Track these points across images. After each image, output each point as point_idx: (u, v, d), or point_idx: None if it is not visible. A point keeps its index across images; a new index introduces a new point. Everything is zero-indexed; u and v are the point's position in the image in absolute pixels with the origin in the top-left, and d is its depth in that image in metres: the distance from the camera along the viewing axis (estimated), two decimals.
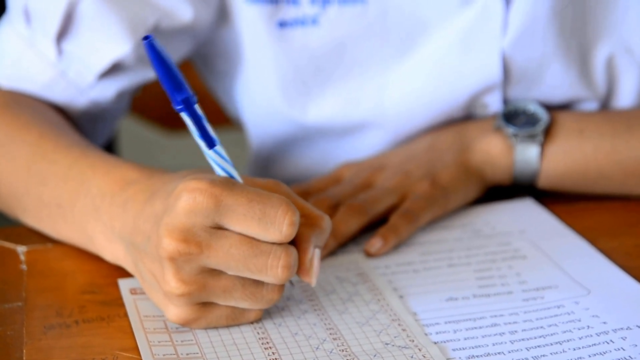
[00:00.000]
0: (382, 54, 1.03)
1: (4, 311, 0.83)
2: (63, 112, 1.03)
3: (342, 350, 0.77)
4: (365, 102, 1.05)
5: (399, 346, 0.77)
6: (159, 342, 0.78)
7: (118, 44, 0.99)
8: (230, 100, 1.13)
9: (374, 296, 0.84)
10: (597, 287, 0.85)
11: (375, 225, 0.93)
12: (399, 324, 0.80)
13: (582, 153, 0.98)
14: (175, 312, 0.78)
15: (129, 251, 0.82)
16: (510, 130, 0.99)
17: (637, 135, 0.98)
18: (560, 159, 0.98)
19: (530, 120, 1.00)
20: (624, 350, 0.76)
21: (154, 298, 0.80)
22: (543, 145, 0.99)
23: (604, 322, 0.80)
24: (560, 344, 0.78)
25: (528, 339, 0.78)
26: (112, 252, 0.85)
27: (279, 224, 0.74)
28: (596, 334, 0.79)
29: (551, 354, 0.76)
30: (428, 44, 1.02)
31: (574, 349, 0.77)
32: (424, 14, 1.01)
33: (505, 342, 0.78)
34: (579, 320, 0.80)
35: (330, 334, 0.79)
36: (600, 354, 0.76)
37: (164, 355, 0.77)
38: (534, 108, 1.01)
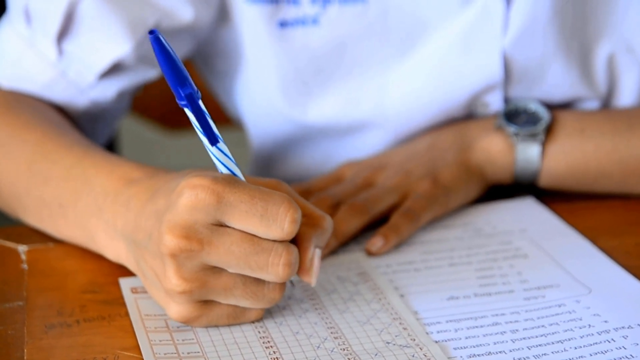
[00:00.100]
0: (383, 54, 1.03)
1: (5, 310, 0.83)
2: (63, 112, 1.03)
3: (343, 349, 0.77)
4: (365, 102, 1.05)
5: (400, 345, 0.77)
6: (160, 341, 0.78)
7: (118, 44, 0.99)
8: (231, 100, 1.13)
9: (375, 295, 0.84)
10: (598, 286, 0.85)
11: (376, 224, 0.93)
12: (400, 323, 0.80)
13: (583, 152, 0.98)
14: (176, 309, 0.78)
15: (130, 249, 0.82)
16: (511, 129, 0.99)
17: (638, 134, 0.98)
18: (561, 158, 0.98)
19: (531, 119, 1.00)
20: (625, 349, 0.76)
21: (156, 296, 0.80)
22: (544, 144, 0.99)
23: (605, 321, 0.80)
24: (562, 342, 0.78)
25: (529, 338, 0.78)
26: (114, 250, 0.85)
27: (280, 221, 0.74)
28: (597, 332, 0.79)
29: (552, 352, 0.76)
30: (429, 43, 1.02)
31: (575, 348, 0.77)
32: (424, 13, 1.01)
33: (507, 341, 0.78)
34: (580, 319, 0.80)
35: (332, 332, 0.79)
36: (602, 352, 0.76)
37: (165, 354, 0.77)
38: (535, 107, 1.01)
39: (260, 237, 0.75)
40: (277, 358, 0.76)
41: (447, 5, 1.00)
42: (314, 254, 0.78)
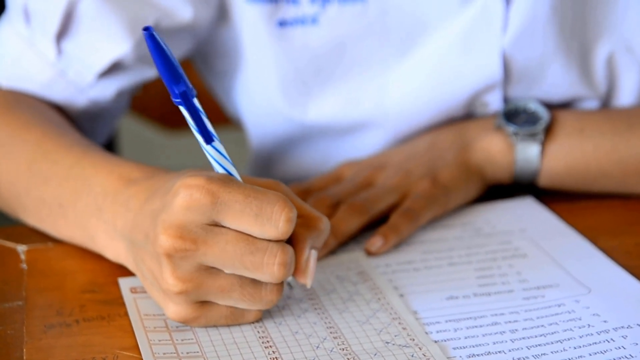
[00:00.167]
0: (383, 54, 1.03)
1: (4, 310, 0.83)
2: (63, 112, 1.03)
3: (343, 349, 0.77)
4: (365, 102, 1.05)
5: (400, 345, 0.77)
6: (159, 340, 0.78)
7: (118, 44, 0.99)
8: (230, 100, 1.13)
9: (375, 295, 0.84)
10: (598, 286, 0.85)
11: (376, 224, 0.93)
12: (399, 323, 0.80)
13: (582, 152, 0.98)
14: (174, 310, 0.78)
15: (129, 249, 0.82)
16: (511, 129, 0.99)
17: (637, 134, 0.98)
18: (560, 158, 0.98)
19: (530, 119, 1.00)
20: (624, 348, 0.76)
21: (155, 296, 0.80)
22: (543, 144, 0.99)
23: (605, 321, 0.80)
24: (561, 342, 0.78)
25: (529, 338, 0.78)
26: (114, 250, 0.85)
27: (275, 221, 0.74)
28: (597, 332, 0.78)
29: (552, 352, 0.76)
30: (428, 43, 1.02)
31: (575, 348, 0.77)
32: (424, 13, 1.01)
33: (506, 341, 0.78)
34: (580, 319, 0.80)
35: (331, 332, 0.79)
36: (601, 352, 0.76)
37: (164, 354, 0.77)
38: (534, 107, 1.01)
39: (255, 237, 0.75)
40: (276, 358, 0.76)
41: (446, 5, 1.00)
42: (310, 255, 0.78)
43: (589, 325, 0.80)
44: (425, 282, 0.86)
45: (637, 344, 0.77)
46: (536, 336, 0.78)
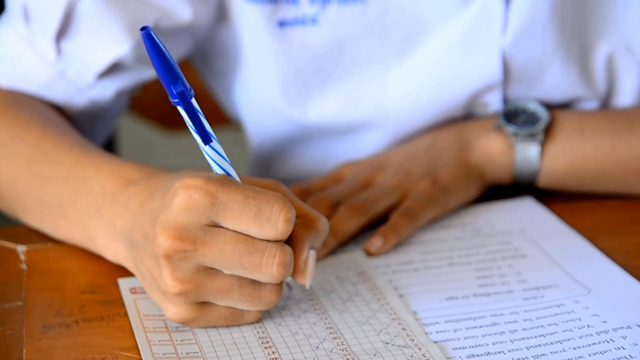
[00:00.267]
0: (382, 54, 1.03)
1: (3, 311, 0.83)
2: (62, 112, 1.03)
3: (342, 350, 0.77)
4: (365, 102, 1.05)
5: (399, 345, 0.77)
6: (158, 341, 0.78)
7: (117, 44, 0.99)
8: (230, 100, 1.13)
9: (374, 295, 0.84)
10: (597, 286, 0.85)
11: (375, 224, 0.93)
12: (399, 323, 0.80)
13: (582, 152, 0.98)
14: (173, 310, 0.78)
15: (128, 249, 0.82)
16: (511, 129, 0.99)
17: (637, 135, 0.98)
18: (560, 158, 0.98)
19: (530, 119, 1.00)
20: (624, 349, 0.76)
21: (154, 297, 0.80)
22: (543, 144, 0.99)
23: (604, 321, 0.80)
24: (561, 343, 0.78)
25: (528, 338, 0.78)
26: (113, 251, 0.85)
27: (274, 221, 0.74)
28: (596, 333, 0.78)
29: (551, 353, 0.76)
30: (428, 43, 1.02)
31: (574, 348, 0.77)
32: (423, 13, 1.01)
33: (506, 341, 0.78)
34: (579, 320, 0.80)
35: (330, 333, 0.79)
36: (601, 353, 0.76)
37: (163, 354, 0.77)
38: (534, 107, 1.01)
39: (254, 237, 0.75)
40: (275, 358, 0.76)
41: (446, 5, 1.00)
42: (309, 255, 0.78)
43: (588, 325, 0.79)
44: (425, 283, 0.86)
45: (636, 344, 0.77)
46: (536, 336, 0.78)
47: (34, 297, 0.85)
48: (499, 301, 0.83)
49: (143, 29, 0.73)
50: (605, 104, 1.05)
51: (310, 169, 1.10)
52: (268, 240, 0.75)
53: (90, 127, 1.06)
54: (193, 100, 0.75)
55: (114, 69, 1.01)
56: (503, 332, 0.79)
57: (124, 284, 0.85)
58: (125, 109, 1.11)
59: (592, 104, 1.05)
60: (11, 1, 1.02)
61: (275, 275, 0.75)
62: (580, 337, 0.78)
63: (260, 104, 1.08)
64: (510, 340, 0.78)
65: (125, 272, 0.86)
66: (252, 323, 0.80)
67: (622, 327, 0.79)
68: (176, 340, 0.78)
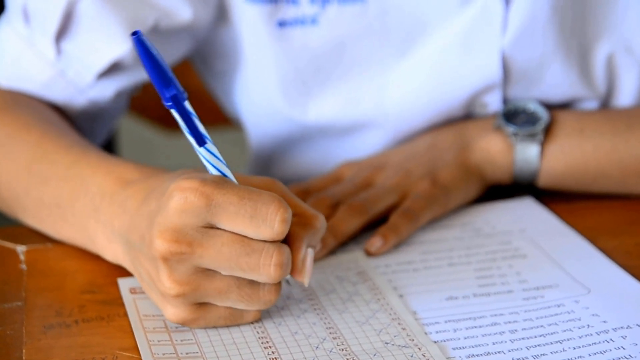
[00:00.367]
0: (382, 54, 1.03)
1: (3, 311, 0.83)
2: (62, 112, 1.03)
3: (342, 350, 0.77)
4: (365, 102, 1.05)
5: (399, 345, 0.77)
6: (158, 341, 0.78)
7: (117, 44, 0.99)
8: (230, 100, 1.13)
9: (374, 295, 0.84)
10: (597, 286, 0.85)
11: (375, 224, 0.92)
12: (398, 323, 0.80)
13: (582, 152, 0.98)
14: (172, 312, 0.78)
15: (126, 251, 0.82)
16: (510, 129, 0.99)
17: (637, 134, 0.98)
18: (560, 158, 0.98)
19: (530, 119, 1.00)
20: (624, 349, 0.76)
21: (153, 297, 0.80)
22: (543, 144, 0.98)
23: (604, 321, 0.80)
24: (561, 343, 0.78)
25: (528, 338, 0.78)
26: (112, 252, 0.85)
27: (270, 221, 0.74)
28: (596, 333, 0.78)
29: (551, 353, 0.76)
30: (428, 43, 1.02)
31: (574, 348, 0.77)
32: (423, 13, 1.01)
33: (506, 341, 0.78)
34: (579, 319, 0.80)
35: (330, 333, 0.79)
36: (600, 352, 0.76)
37: (163, 354, 0.77)
38: (534, 107, 1.01)
39: (251, 238, 0.75)
40: (275, 358, 0.76)
41: (446, 5, 1.00)
42: (307, 253, 0.78)
43: (588, 325, 0.79)
44: (425, 283, 0.86)
45: (636, 344, 0.77)
46: (536, 336, 0.78)
47: (33, 297, 0.85)
48: (498, 301, 0.83)
49: (134, 33, 0.73)
50: (605, 104, 1.05)
51: (310, 169, 1.10)
52: (265, 241, 0.75)
53: (90, 127, 1.06)
54: (186, 103, 0.75)
55: (114, 69, 1.01)
56: (503, 332, 0.79)
57: (123, 284, 0.85)
58: (125, 109, 1.11)
59: (592, 104, 1.05)
60: (11, 1, 1.02)
61: (273, 276, 0.75)
62: (580, 337, 0.78)
63: (260, 104, 1.08)
64: (510, 340, 0.78)
65: (125, 272, 0.85)
66: (252, 323, 0.80)
67: (622, 327, 0.79)
68: (176, 340, 0.78)
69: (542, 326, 0.80)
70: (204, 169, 0.79)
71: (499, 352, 0.77)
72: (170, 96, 0.74)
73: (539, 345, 0.77)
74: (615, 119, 1.00)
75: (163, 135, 1.59)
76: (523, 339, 0.78)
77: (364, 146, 1.07)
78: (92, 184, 0.87)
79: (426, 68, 1.02)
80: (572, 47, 1.02)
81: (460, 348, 0.77)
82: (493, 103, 1.03)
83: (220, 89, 1.13)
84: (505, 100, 1.03)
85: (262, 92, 1.07)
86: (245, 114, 1.11)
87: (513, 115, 1.01)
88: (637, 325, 0.79)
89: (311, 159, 1.11)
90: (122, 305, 0.83)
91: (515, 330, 0.79)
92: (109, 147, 1.44)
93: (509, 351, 0.77)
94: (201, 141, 0.76)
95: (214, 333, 0.79)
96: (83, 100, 1.02)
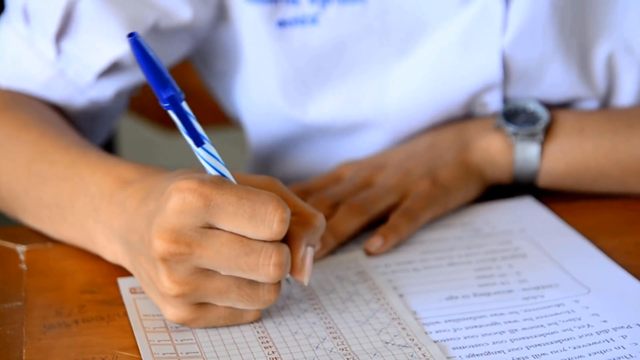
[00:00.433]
0: (382, 54, 1.03)
1: (3, 311, 0.83)
2: (62, 112, 1.03)
3: (342, 349, 0.77)
4: (365, 102, 1.05)
5: (399, 345, 0.77)
6: (158, 341, 0.78)
7: (117, 44, 0.99)
8: (230, 100, 1.13)
9: (374, 295, 0.84)
10: (598, 286, 0.85)
11: (375, 224, 0.92)
12: (399, 323, 0.80)
13: (582, 152, 0.98)
14: (172, 312, 0.78)
15: (126, 251, 0.82)
16: (510, 129, 0.99)
17: (637, 134, 0.98)
18: (560, 158, 0.98)
19: (530, 118, 1.00)
20: (624, 348, 0.76)
21: (152, 297, 0.80)
22: (543, 144, 0.98)
23: (604, 321, 0.80)
24: (561, 342, 0.77)
25: (528, 338, 0.78)
26: (112, 252, 0.85)
27: (269, 221, 0.74)
28: (596, 332, 0.78)
29: (551, 352, 0.76)
30: (428, 43, 1.02)
31: (574, 348, 0.77)
32: (423, 13, 1.01)
33: (506, 341, 0.78)
34: (579, 319, 0.80)
35: (330, 332, 0.79)
36: (601, 352, 0.76)
37: (163, 354, 0.77)
38: (534, 107, 1.01)
39: (250, 238, 0.75)
40: (275, 358, 0.76)
41: (446, 5, 1.00)
42: (306, 252, 0.78)
43: (588, 325, 0.79)
44: (425, 282, 0.86)
45: (636, 343, 0.77)
46: (536, 336, 0.78)
47: (33, 297, 0.85)
48: (498, 301, 0.83)
49: (130, 35, 0.73)
50: (605, 103, 1.05)
51: (310, 169, 1.10)
52: (264, 241, 0.75)
53: (90, 127, 1.06)
54: (184, 104, 0.75)
55: (114, 68, 1.01)
56: (503, 332, 0.79)
57: (123, 283, 0.85)
58: (125, 108, 1.11)
59: (592, 104, 1.05)
60: (11, 1, 1.02)
61: (272, 276, 0.75)
62: (580, 337, 0.78)
63: (260, 104, 1.08)
64: (510, 340, 0.78)
65: (125, 272, 0.85)
66: (252, 322, 0.80)
67: (622, 327, 0.79)
68: (176, 340, 0.78)
69: (542, 326, 0.80)
70: (203, 169, 0.79)
71: (499, 352, 0.76)
72: (168, 97, 0.74)
73: (539, 344, 0.77)
74: (616, 118, 1.00)
75: (163, 135, 1.59)
76: (523, 338, 0.78)
77: (364, 146, 1.07)
78: (91, 184, 0.87)
79: (426, 68, 1.02)
80: (572, 47, 1.02)
81: (460, 348, 0.77)
82: (493, 103, 1.03)
83: (220, 88, 1.13)
84: (505, 100, 1.03)
85: (262, 91, 1.07)
86: (245, 113, 1.11)
87: (513, 114, 1.01)
88: (637, 324, 0.79)
89: (311, 158, 1.11)
90: (122, 305, 0.83)
91: (516, 330, 0.79)
92: (109, 147, 1.44)
93: (509, 351, 0.77)
94: (199, 141, 0.76)
95: (214, 333, 0.79)
96: (83, 100, 1.02)
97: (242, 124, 1.13)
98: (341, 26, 1.02)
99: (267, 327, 0.80)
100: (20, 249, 0.92)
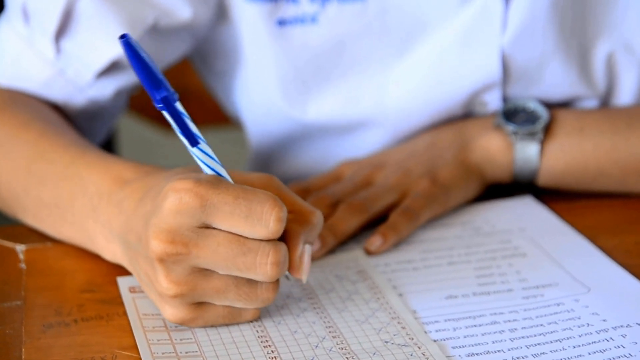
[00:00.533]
0: (382, 53, 1.03)
1: (3, 310, 0.83)
2: (61, 111, 1.03)
3: (342, 349, 0.77)
4: (365, 101, 1.04)
5: (399, 344, 0.77)
6: (158, 340, 0.78)
7: (116, 43, 0.98)
8: (229, 99, 1.13)
9: (374, 294, 0.84)
10: (597, 285, 0.85)
11: (375, 223, 0.92)
12: (398, 322, 0.80)
13: (581, 151, 0.98)
14: (170, 311, 0.78)
15: (124, 251, 0.82)
16: (510, 128, 0.99)
17: (637, 133, 0.98)
18: (560, 157, 0.98)
19: (530, 118, 1.00)
20: (623, 347, 0.76)
21: (151, 297, 0.80)
22: (543, 143, 0.98)
23: (604, 320, 0.80)
24: (560, 341, 0.77)
25: (528, 337, 0.78)
26: (111, 251, 0.85)
27: (265, 221, 0.74)
28: (596, 331, 0.78)
29: (551, 351, 0.76)
30: (428, 42, 1.02)
31: (574, 347, 0.77)
32: (423, 12, 1.01)
33: (505, 340, 0.78)
34: (579, 318, 0.80)
35: (330, 332, 0.79)
36: (600, 351, 0.76)
37: (162, 353, 0.76)
38: (533, 106, 1.01)
39: (246, 237, 0.75)
40: (275, 357, 0.76)
41: (446, 4, 1.00)
42: (304, 250, 0.78)
43: (588, 324, 0.79)
44: (425, 281, 0.86)
45: (636, 343, 0.77)
46: (535, 335, 0.78)
47: (33, 297, 0.85)
48: (498, 300, 0.83)
49: (122, 37, 0.73)
50: (605, 103, 1.05)
51: (310, 168, 1.10)
52: (261, 240, 0.75)
53: (89, 126, 1.06)
54: (177, 104, 0.75)
55: (113, 67, 1.01)
56: (503, 331, 0.79)
57: (123, 283, 0.85)
58: (125, 108, 1.11)
59: (591, 103, 1.05)
60: (11, 0, 1.02)
61: (270, 275, 0.75)
62: (579, 336, 0.78)
63: (259, 103, 1.08)
64: (510, 339, 0.78)
65: (124, 271, 0.85)
66: (251, 321, 0.80)
67: (621, 326, 0.79)
68: (175, 339, 0.78)
69: (541, 325, 0.80)
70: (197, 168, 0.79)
71: (498, 351, 0.76)
72: (161, 98, 0.74)
73: (538, 344, 0.77)
74: (615, 117, 1.00)
75: (162, 134, 1.59)
76: (523, 337, 0.78)
77: (364, 145, 1.06)
78: (90, 183, 0.87)
79: (426, 67, 1.02)
80: (572, 46, 1.02)
81: (459, 347, 0.77)
82: (493, 102, 1.03)
83: (220, 88, 1.13)
84: (505, 99, 1.03)
85: (262, 91, 1.07)
86: (245, 113, 1.11)
87: (513, 114, 1.01)
88: (636, 324, 0.79)
89: (311, 157, 1.11)
90: (122, 304, 0.83)
91: (515, 329, 0.79)
92: (109, 146, 1.44)
93: (509, 350, 0.77)
94: (194, 141, 0.76)
95: (214, 332, 0.79)
96: (82, 99, 1.02)
97: (242, 124, 1.13)
98: (341, 25, 1.02)
99: (266, 327, 0.80)
100: (20, 248, 0.92)
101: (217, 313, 0.78)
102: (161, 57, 1.03)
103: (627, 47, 1.02)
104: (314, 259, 0.88)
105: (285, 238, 0.77)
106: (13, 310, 0.83)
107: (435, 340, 0.78)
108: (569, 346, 0.77)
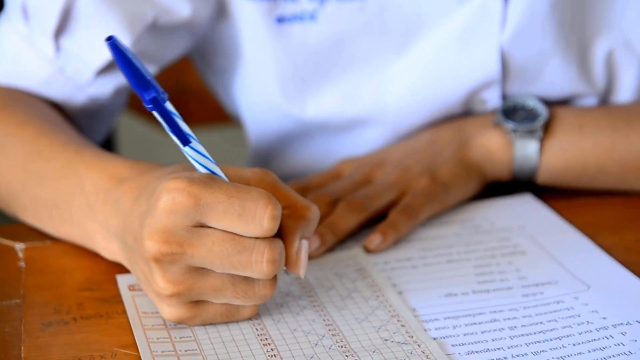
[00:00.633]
0: (381, 50, 1.03)
1: (2, 308, 0.83)
2: (60, 109, 1.03)
3: (341, 347, 0.77)
4: (364, 98, 1.04)
5: (398, 342, 0.77)
6: (157, 338, 0.78)
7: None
8: (229, 97, 1.13)
9: (373, 292, 0.84)
10: (597, 283, 0.85)
11: (374, 221, 0.92)
12: (398, 320, 0.80)
13: (581, 148, 0.98)
14: (168, 310, 0.77)
15: (122, 250, 0.82)
16: (510, 125, 0.98)
17: (636, 131, 0.98)
18: (559, 155, 0.98)
19: (529, 115, 1.00)
20: (623, 345, 0.76)
21: (150, 296, 0.80)
22: (542, 141, 0.98)
23: (604, 318, 0.80)
24: (560, 339, 0.77)
25: (527, 335, 0.78)
26: (110, 250, 0.85)
27: (259, 219, 0.74)
28: (596, 329, 0.78)
29: (551, 349, 0.76)
30: (427, 40, 1.02)
31: (574, 345, 0.77)
32: (422, 10, 1.01)
33: (505, 338, 0.78)
34: (579, 316, 0.80)
35: (329, 330, 0.79)
36: (600, 349, 0.76)
37: (162, 351, 0.76)
38: (533, 103, 1.01)
39: (241, 236, 0.75)
40: (274, 355, 0.76)
41: (445, 2, 1.00)
42: (300, 246, 0.78)
43: (588, 322, 0.79)
44: (424, 279, 0.86)
45: (636, 340, 0.77)
46: (535, 333, 0.78)
47: (32, 295, 0.85)
48: (498, 298, 0.83)
49: (109, 39, 0.73)
50: (605, 100, 1.05)
51: (309, 166, 1.10)
52: (256, 237, 0.75)
53: (88, 125, 1.06)
54: (167, 104, 0.75)
55: (113, 66, 1.01)
56: (502, 329, 0.79)
57: (122, 281, 0.85)
58: (124, 106, 1.10)
59: (591, 101, 1.05)
60: None
61: (266, 272, 0.75)
62: (579, 334, 0.78)
63: (259, 101, 1.08)
64: (510, 337, 0.78)
65: (124, 269, 0.85)
66: (249, 318, 0.80)
67: (621, 324, 0.79)
68: (175, 338, 0.78)
69: (541, 323, 0.79)
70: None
71: (498, 349, 0.76)
72: (150, 99, 0.74)
73: (538, 341, 0.77)
74: (615, 115, 1.00)
75: (162, 132, 1.59)
76: (522, 335, 0.78)
77: (363, 143, 1.06)
78: (86, 182, 0.87)
79: (425, 64, 1.02)
80: (572, 44, 1.02)
81: (459, 345, 0.77)
82: (492, 99, 1.03)
83: (219, 86, 1.13)
84: (504, 97, 1.03)
85: (261, 88, 1.07)
86: (244, 110, 1.11)
87: (512, 111, 1.01)
88: (636, 321, 0.79)
89: (310, 155, 1.11)
90: (121, 302, 0.83)
91: (515, 327, 0.79)
92: (108, 144, 1.44)
93: (508, 348, 0.76)
94: (185, 141, 0.76)
95: (213, 330, 0.79)
96: (82, 97, 1.02)
97: (241, 121, 1.13)
98: (340, 23, 1.02)
99: (265, 325, 0.80)
100: (19, 246, 0.92)
101: (215, 311, 0.78)
102: (161, 55, 1.03)
103: (626, 45, 1.02)
104: (314, 257, 0.88)
105: (281, 234, 0.77)
106: (12, 309, 0.83)
107: (434, 338, 0.78)
108: (568, 344, 0.77)
